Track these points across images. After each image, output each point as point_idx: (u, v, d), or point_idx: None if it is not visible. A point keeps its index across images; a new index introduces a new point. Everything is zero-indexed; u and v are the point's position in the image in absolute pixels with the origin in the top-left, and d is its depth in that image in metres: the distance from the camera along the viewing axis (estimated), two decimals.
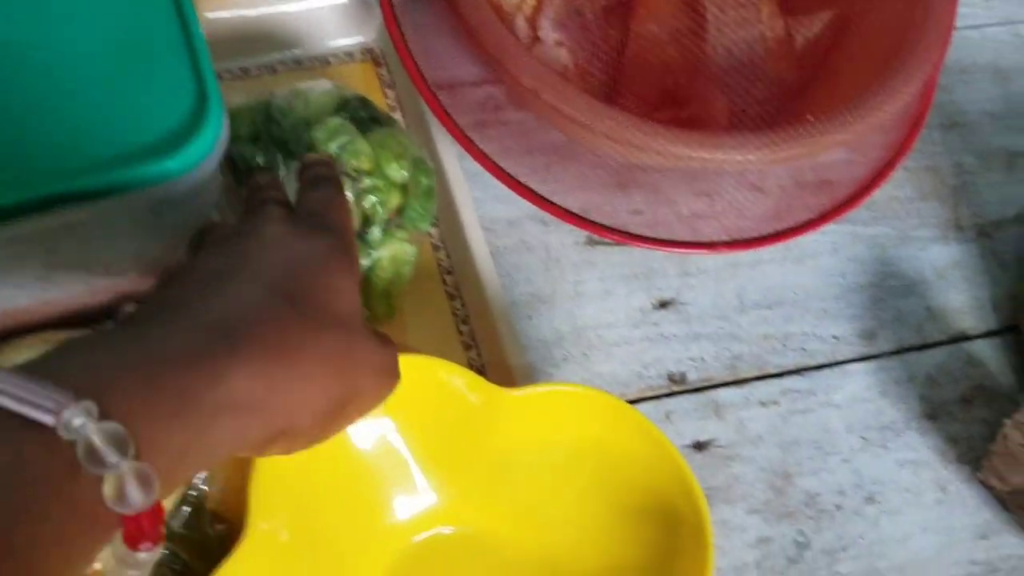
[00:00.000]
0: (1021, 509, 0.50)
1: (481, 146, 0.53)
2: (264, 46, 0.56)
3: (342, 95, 0.49)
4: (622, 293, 0.55)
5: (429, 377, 0.42)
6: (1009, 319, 0.57)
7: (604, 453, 0.44)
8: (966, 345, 0.57)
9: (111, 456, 0.24)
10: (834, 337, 0.56)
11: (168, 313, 0.30)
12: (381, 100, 0.57)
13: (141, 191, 0.34)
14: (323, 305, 0.32)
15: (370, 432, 0.42)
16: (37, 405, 0.24)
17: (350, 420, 0.34)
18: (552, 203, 0.53)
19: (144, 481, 0.25)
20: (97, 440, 0.24)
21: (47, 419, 0.24)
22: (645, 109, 0.56)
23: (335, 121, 0.47)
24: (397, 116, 0.56)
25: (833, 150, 0.52)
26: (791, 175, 0.57)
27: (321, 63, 0.57)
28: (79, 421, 0.24)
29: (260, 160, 0.47)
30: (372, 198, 0.46)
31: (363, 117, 0.49)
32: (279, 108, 0.48)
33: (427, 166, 0.49)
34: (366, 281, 0.48)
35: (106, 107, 0.34)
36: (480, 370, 0.50)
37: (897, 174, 0.60)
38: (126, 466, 0.25)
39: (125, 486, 0.25)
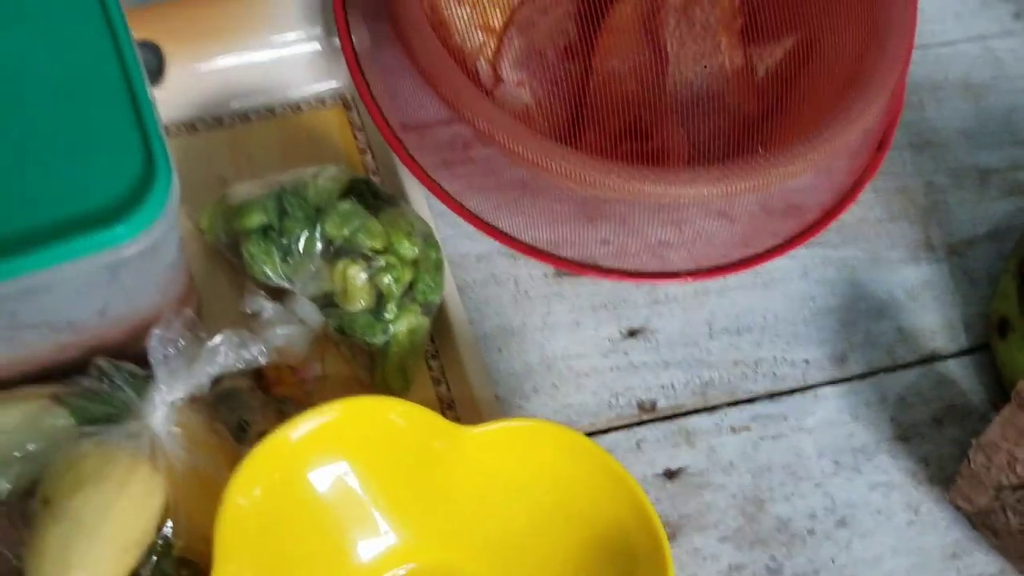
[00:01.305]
0: (988, 528, 0.50)
1: (446, 185, 0.54)
2: (236, 95, 0.57)
3: (349, 178, 0.51)
4: (591, 323, 0.56)
5: (384, 418, 0.43)
6: (980, 338, 0.58)
7: (564, 487, 0.45)
8: (937, 365, 0.57)
9: None
10: (805, 361, 0.56)
11: None
12: (352, 144, 0.58)
13: (92, 256, 0.36)
14: None
15: (329, 475, 0.43)
16: None
17: None
18: (517, 239, 0.54)
19: None
20: None
21: None
22: (608, 143, 0.57)
23: (346, 205, 0.49)
24: (367, 158, 0.58)
25: (795, 178, 0.52)
26: (759, 201, 0.57)
27: (293, 110, 0.59)
28: None
29: (273, 261, 0.49)
30: (387, 277, 0.48)
31: (370, 198, 0.51)
32: (289, 199, 0.49)
33: (434, 240, 0.51)
34: (383, 356, 0.50)
35: (48, 174, 0.36)
36: (449, 404, 0.52)
37: (866, 196, 0.61)
38: None
39: None
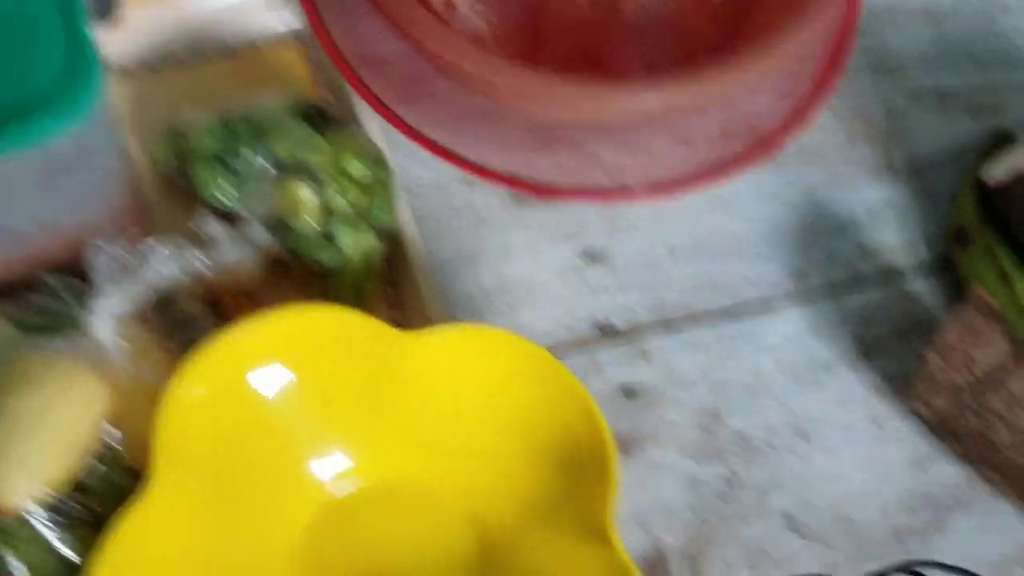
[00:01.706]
0: (950, 433, 0.50)
1: (404, 116, 0.54)
2: (194, 34, 0.58)
3: (297, 102, 0.51)
4: (550, 250, 0.56)
5: (331, 326, 0.43)
6: (943, 254, 0.57)
7: (515, 394, 0.45)
8: (899, 280, 0.57)
9: None
10: (765, 280, 0.56)
11: None
12: (310, 81, 0.58)
13: (23, 152, 0.36)
14: None
15: (276, 384, 0.43)
16: None
17: None
18: (471, 162, 0.54)
19: None
20: None
21: None
22: (561, 68, 0.56)
23: (291, 124, 0.49)
24: (326, 95, 0.58)
25: (743, 88, 0.52)
26: (719, 125, 0.57)
27: (252, 48, 0.59)
28: None
29: (222, 183, 0.49)
30: (337, 196, 0.48)
31: (320, 122, 0.51)
32: (237, 121, 0.49)
33: (385, 162, 0.51)
34: (336, 278, 0.50)
35: None
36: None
37: (826, 119, 0.61)
38: None
39: None
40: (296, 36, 0.59)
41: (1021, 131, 0.59)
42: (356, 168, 0.49)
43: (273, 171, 0.49)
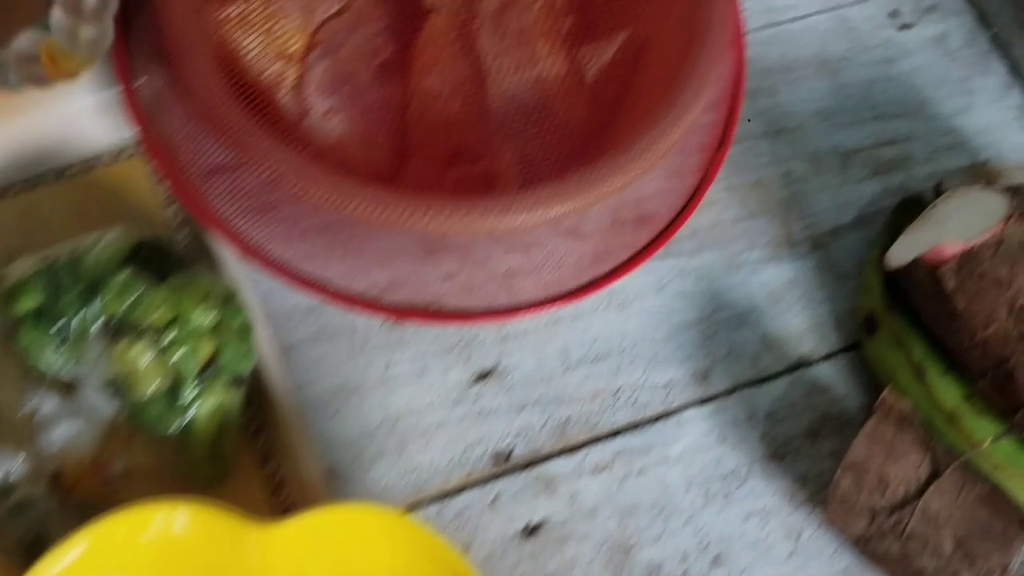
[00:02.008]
0: (872, 555, 0.47)
1: (254, 234, 0.49)
2: (20, 160, 0.51)
3: (132, 241, 0.46)
4: (438, 369, 0.51)
5: (158, 533, 0.38)
6: (852, 336, 0.55)
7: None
8: (807, 372, 0.54)
9: None
10: (666, 384, 0.53)
11: None
12: (153, 197, 0.53)
13: None
14: None
15: None
16: None
17: None
18: (342, 291, 0.49)
19: None
20: None
21: None
22: (435, 169, 0.52)
23: (123, 276, 0.44)
24: (171, 211, 0.52)
25: (622, 190, 0.48)
26: (609, 214, 0.53)
27: (86, 167, 0.52)
28: None
29: (50, 349, 0.43)
30: (178, 352, 0.43)
31: (158, 262, 0.46)
32: (63, 274, 0.44)
33: (237, 303, 0.46)
34: (185, 446, 0.44)
35: None
36: (279, 486, 0.47)
37: (720, 195, 0.57)
38: None
39: None
40: (138, 149, 0.53)
41: (927, 193, 0.56)
42: (200, 317, 0.44)
43: (106, 331, 0.44)
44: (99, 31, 0.24)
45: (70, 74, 0.26)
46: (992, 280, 0.44)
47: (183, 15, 0.44)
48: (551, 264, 0.52)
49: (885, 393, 0.46)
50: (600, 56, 0.54)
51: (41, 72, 0.26)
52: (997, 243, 0.44)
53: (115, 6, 0.24)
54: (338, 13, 0.51)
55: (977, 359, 0.45)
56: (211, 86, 0.44)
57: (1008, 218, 0.45)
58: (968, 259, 0.45)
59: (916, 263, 0.49)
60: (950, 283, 0.45)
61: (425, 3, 0.54)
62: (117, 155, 0.53)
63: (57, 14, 0.24)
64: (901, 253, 0.51)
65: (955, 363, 0.48)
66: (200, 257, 0.49)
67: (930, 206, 0.50)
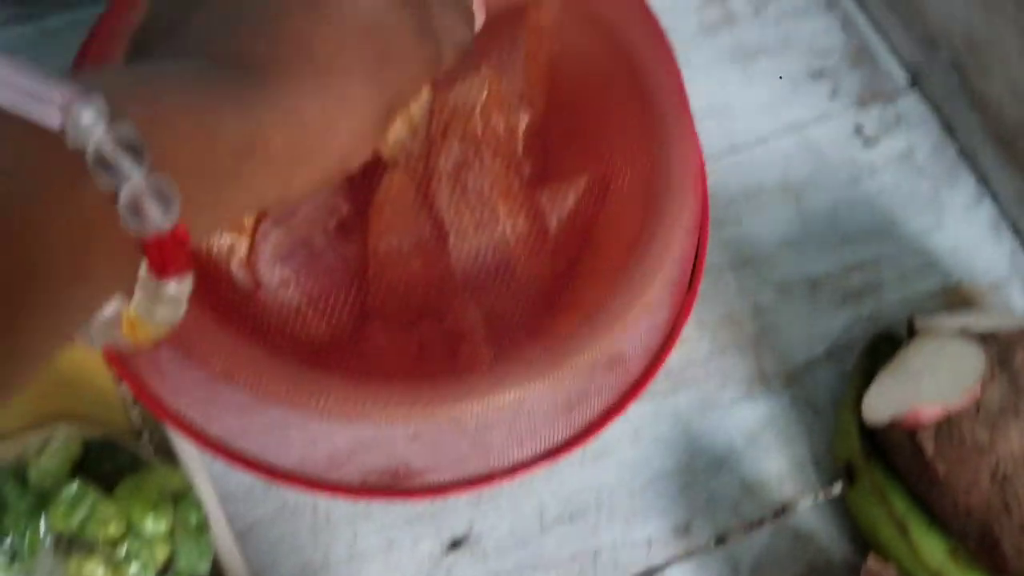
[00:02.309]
0: None
1: (207, 418, 0.47)
2: None
3: (81, 443, 0.44)
4: (407, 541, 0.50)
5: None
6: (833, 478, 0.53)
7: None
8: (790, 518, 0.52)
9: (125, 163, 0.22)
10: (647, 541, 0.51)
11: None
12: (107, 383, 0.51)
13: None
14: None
15: None
16: (40, 98, 0.21)
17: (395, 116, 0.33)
18: (292, 471, 0.47)
19: (162, 196, 0.23)
20: (108, 144, 0.22)
21: (53, 117, 0.21)
22: (399, 332, 0.50)
23: (74, 487, 0.42)
24: (124, 388, 0.50)
25: (591, 366, 0.47)
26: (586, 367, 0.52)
27: None
28: (89, 118, 0.21)
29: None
30: (133, 566, 0.42)
31: (108, 467, 0.44)
32: (8, 487, 0.42)
33: (192, 499, 0.44)
34: None
35: None
36: None
37: (691, 331, 0.56)
38: (141, 177, 0.22)
39: (142, 200, 0.22)
40: None
41: (899, 328, 0.55)
42: (152, 524, 0.42)
43: (58, 546, 0.42)
44: (174, 311, 0.25)
45: (146, 341, 0.27)
46: (973, 446, 0.43)
47: None
48: (523, 413, 0.50)
49: (869, 562, 0.45)
50: (562, 204, 0.52)
51: (120, 337, 0.27)
52: (976, 406, 0.43)
53: (189, 290, 0.25)
54: None
55: (961, 524, 0.44)
56: None
57: (986, 378, 0.44)
58: (947, 424, 0.44)
59: (893, 423, 0.48)
60: (929, 448, 0.44)
61: (382, 158, 0.53)
62: None
63: (139, 295, 0.25)
64: (877, 407, 0.49)
65: (938, 520, 0.46)
66: (153, 446, 0.47)
67: (903, 349, 0.49)
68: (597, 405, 0.51)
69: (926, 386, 0.45)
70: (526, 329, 0.50)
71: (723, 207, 0.59)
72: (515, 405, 0.49)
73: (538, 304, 0.52)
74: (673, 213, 0.47)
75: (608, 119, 0.53)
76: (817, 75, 0.64)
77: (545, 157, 0.56)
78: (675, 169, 0.47)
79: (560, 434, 0.51)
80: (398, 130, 0.53)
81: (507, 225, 0.49)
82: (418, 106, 0.54)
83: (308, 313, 0.49)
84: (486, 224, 0.50)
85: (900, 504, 0.48)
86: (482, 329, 0.50)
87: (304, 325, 0.49)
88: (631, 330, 0.49)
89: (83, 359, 0.50)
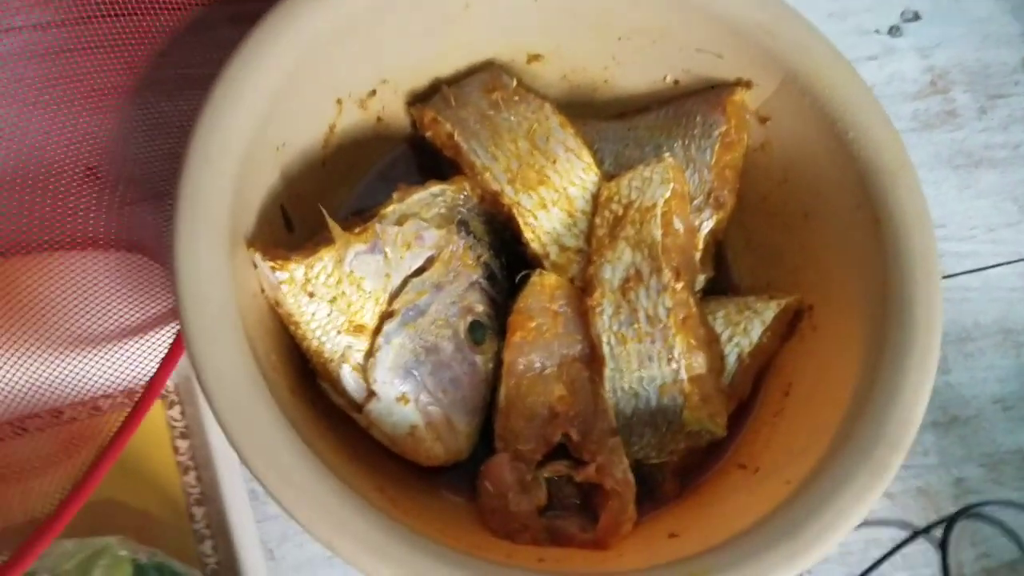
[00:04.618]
0: None
1: None
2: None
3: (134, 561, 0.36)
4: None
5: None
6: None
7: None
8: None
9: None
10: None
11: None
12: (171, 454, 0.43)
13: None
14: None
15: None
16: None
17: None
18: None
19: None
20: None
21: None
22: (525, 473, 0.41)
23: None
24: (190, 479, 0.42)
25: None
26: None
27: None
28: None
29: None
30: None
31: None
32: None
33: None
34: None
35: None
36: None
37: (878, 503, 0.46)
38: None
39: None
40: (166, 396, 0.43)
41: None
42: None
43: None
44: None
45: None
46: None
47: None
48: None
49: None
50: (743, 335, 0.43)
51: None
52: None
53: None
54: (422, 268, 0.41)
55: None
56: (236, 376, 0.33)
57: None
58: None
59: None
60: None
61: (530, 250, 0.43)
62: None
63: None
64: None
65: None
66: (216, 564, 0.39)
67: None
68: None
69: None
70: (691, 500, 0.41)
71: None
72: None
73: (697, 466, 0.42)
74: (913, 381, 0.36)
75: (817, 233, 0.43)
76: None
77: (723, 268, 0.47)
78: (920, 324, 0.37)
79: None
80: (553, 216, 0.44)
81: (682, 363, 0.40)
82: (579, 189, 0.45)
83: (423, 435, 0.40)
84: (655, 359, 0.40)
85: None
86: (628, 487, 0.40)
87: (415, 447, 0.40)
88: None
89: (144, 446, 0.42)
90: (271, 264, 0.36)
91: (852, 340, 0.39)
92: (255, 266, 0.37)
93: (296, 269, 0.37)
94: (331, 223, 0.38)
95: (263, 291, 0.38)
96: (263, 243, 0.37)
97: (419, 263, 0.41)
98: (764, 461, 0.40)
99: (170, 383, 0.44)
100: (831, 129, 0.41)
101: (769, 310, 0.43)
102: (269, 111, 0.37)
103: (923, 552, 0.45)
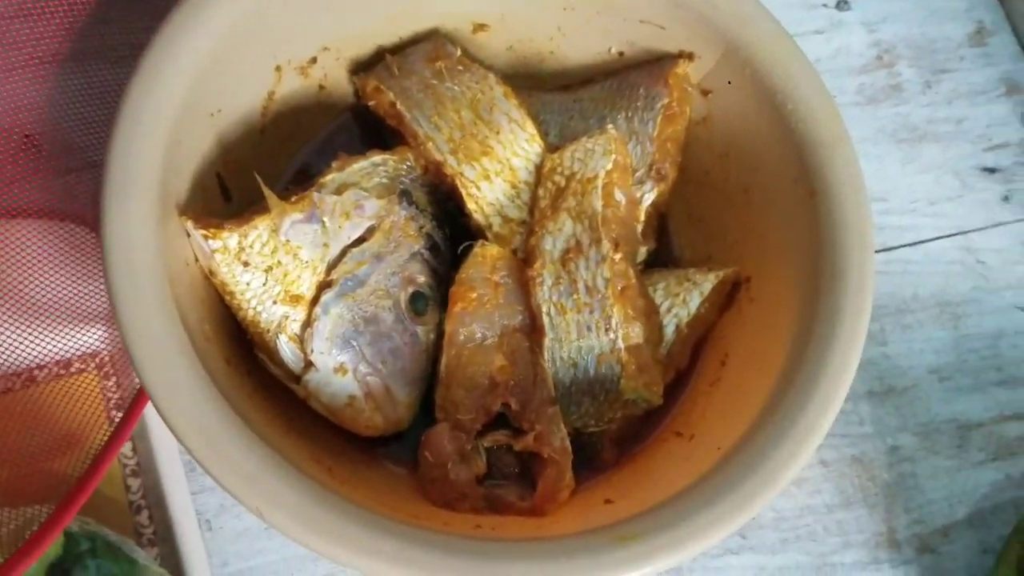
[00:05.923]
0: None
1: None
2: None
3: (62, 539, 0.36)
4: None
5: None
6: None
7: None
8: None
9: None
10: None
11: None
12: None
13: None
14: None
15: None
16: None
17: None
18: None
19: None
20: None
21: None
22: (464, 441, 0.41)
23: None
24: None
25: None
26: None
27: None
28: None
29: None
30: None
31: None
32: None
33: None
34: None
35: None
36: None
37: (812, 471, 0.47)
38: None
39: None
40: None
41: None
42: None
43: None
44: None
45: None
46: None
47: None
48: None
49: None
50: (682, 305, 0.43)
51: None
52: None
53: None
54: (362, 238, 0.41)
55: None
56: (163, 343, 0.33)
57: None
58: None
59: None
60: None
61: (473, 221, 0.43)
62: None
63: None
64: None
65: None
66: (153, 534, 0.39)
67: None
68: None
69: None
70: (629, 466, 0.41)
71: None
72: None
73: (639, 432, 0.43)
74: (842, 349, 0.37)
75: (756, 207, 0.43)
76: (989, 172, 0.54)
77: (665, 240, 0.47)
78: (851, 292, 0.37)
79: None
80: (496, 187, 0.44)
81: (619, 333, 0.40)
82: (522, 160, 0.45)
83: (362, 406, 0.40)
84: (594, 329, 0.40)
85: None
86: (565, 455, 0.40)
87: (353, 418, 0.40)
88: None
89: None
90: (203, 232, 0.36)
91: (787, 310, 0.39)
92: (188, 235, 0.36)
93: (229, 238, 0.37)
94: (267, 191, 0.38)
95: (197, 260, 0.37)
96: (197, 211, 0.37)
97: (359, 233, 0.41)
98: (700, 429, 0.41)
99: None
100: (771, 101, 0.42)
101: (708, 281, 0.43)
102: (203, 75, 0.36)
103: (856, 519, 0.46)
